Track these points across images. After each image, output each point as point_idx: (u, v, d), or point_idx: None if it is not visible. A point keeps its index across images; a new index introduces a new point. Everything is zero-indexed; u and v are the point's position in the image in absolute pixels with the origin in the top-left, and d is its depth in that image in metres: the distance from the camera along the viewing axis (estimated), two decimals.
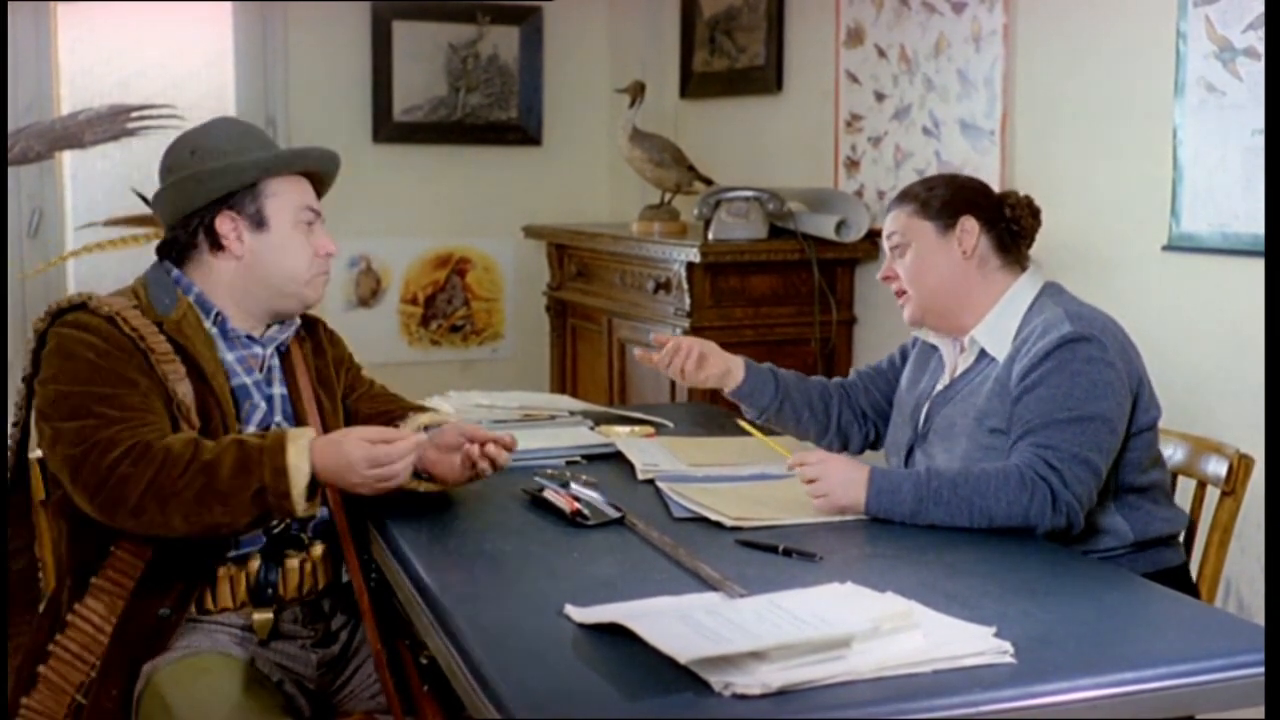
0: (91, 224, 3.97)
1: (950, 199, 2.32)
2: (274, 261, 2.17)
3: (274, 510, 1.96)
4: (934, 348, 2.42)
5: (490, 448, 2.15)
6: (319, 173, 2.27)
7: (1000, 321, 2.27)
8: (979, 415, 2.21)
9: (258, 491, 1.93)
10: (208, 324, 2.16)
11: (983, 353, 2.28)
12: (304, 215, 2.20)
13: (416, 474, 2.17)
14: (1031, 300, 2.27)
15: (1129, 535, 2.20)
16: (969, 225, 2.29)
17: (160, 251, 2.21)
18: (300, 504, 1.95)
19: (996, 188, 2.62)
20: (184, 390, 2.06)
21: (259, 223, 2.16)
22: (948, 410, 2.29)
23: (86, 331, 2.04)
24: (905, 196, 2.37)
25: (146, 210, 2.54)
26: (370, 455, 1.97)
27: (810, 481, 2.12)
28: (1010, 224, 2.32)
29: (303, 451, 1.95)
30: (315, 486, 1.97)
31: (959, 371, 2.33)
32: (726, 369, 2.53)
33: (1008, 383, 2.18)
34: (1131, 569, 2.09)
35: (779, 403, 2.53)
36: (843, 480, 2.11)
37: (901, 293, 2.36)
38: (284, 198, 2.18)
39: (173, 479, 1.93)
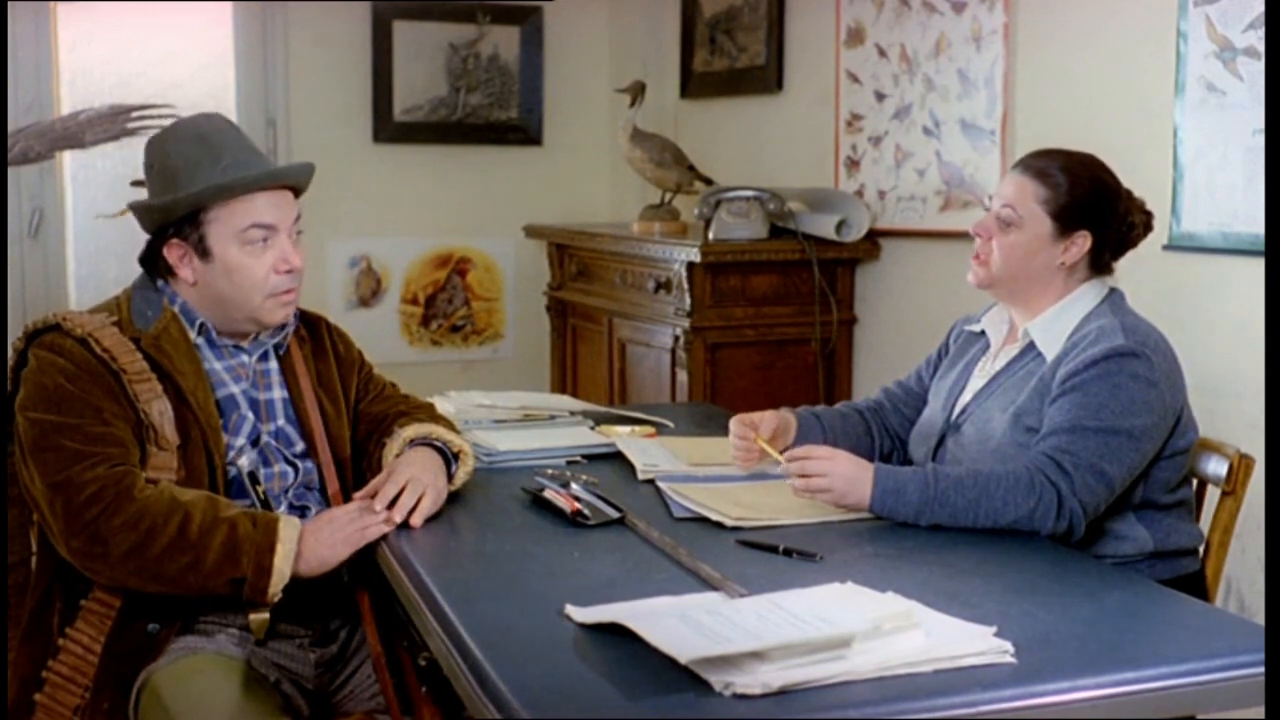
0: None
1: (1080, 203, 2.23)
2: (223, 288, 2.14)
3: (243, 595, 1.99)
4: (980, 334, 2.41)
5: (382, 517, 2.07)
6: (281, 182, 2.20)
7: (1058, 320, 2.25)
8: (1018, 411, 2.20)
9: (236, 580, 1.97)
10: (193, 334, 2.16)
11: (1031, 345, 2.27)
12: (251, 235, 2.12)
13: None
14: (1093, 306, 2.25)
15: (1148, 544, 2.19)
16: (1081, 241, 2.24)
17: (140, 264, 2.22)
18: (271, 599, 2.00)
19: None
20: (159, 409, 2.06)
21: (203, 252, 2.13)
22: (988, 403, 2.28)
23: (60, 355, 2.04)
24: (1041, 175, 2.25)
25: None
26: (352, 545, 2.04)
27: (815, 476, 2.11)
28: (1120, 240, 2.28)
29: (289, 553, 1.99)
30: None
31: (1004, 362, 2.31)
32: (785, 424, 2.42)
33: (1051, 383, 2.17)
34: (1149, 576, 2.08)
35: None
36: (848, 477, 2.10)
37: (981, 257, 2.30)
38: (224, 223, 2.12)
39: (154, 553, 1.95)
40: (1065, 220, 2.24)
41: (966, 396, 2.34)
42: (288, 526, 2.00)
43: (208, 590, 1.99)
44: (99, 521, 1.95)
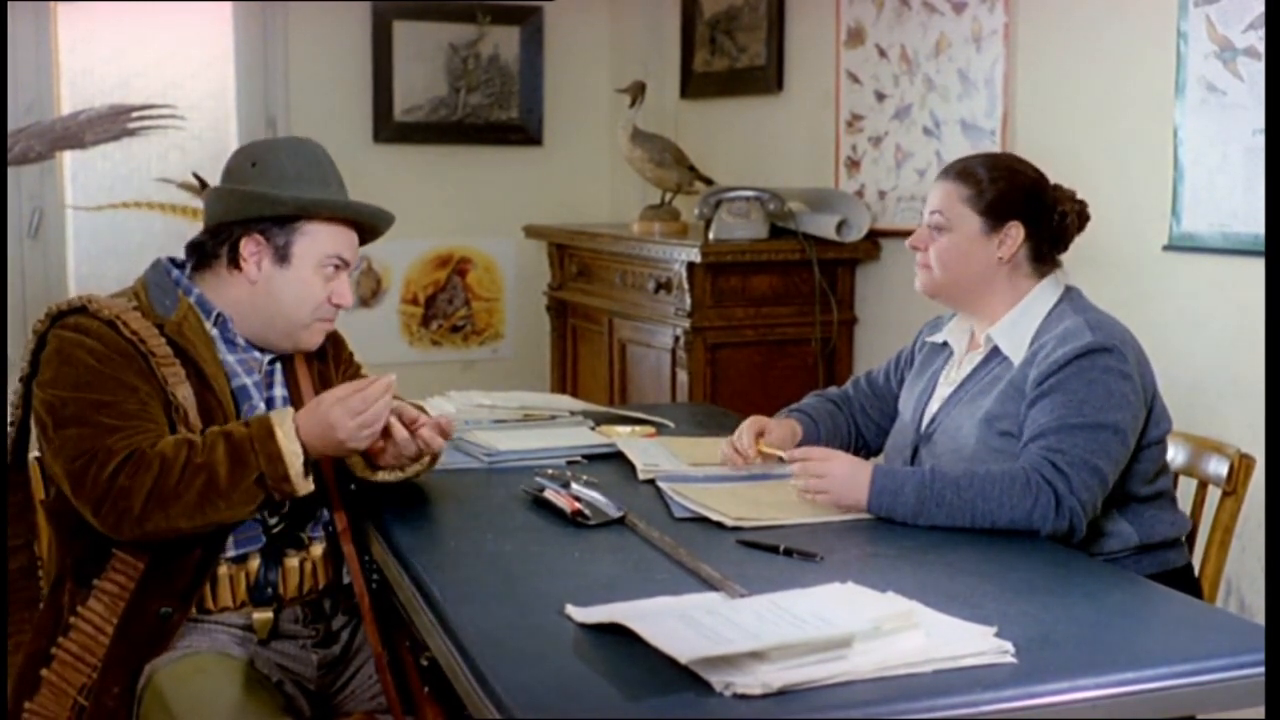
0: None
1: (1005, 196, 2.25)
2: (281, 298, 2.16)
3: (274, 493, 2.00)
4: (943, 345, 2.41)
5: (424, 432, 2.13)
6: (366, 223, 2.25)
7: (1019, 323, 2.25)
8: (989, 417, 2.20)
9: (257, 479, 1.97)
10: (208, 325, 2.16)
11: (995, 351, 2.27)
12: (329, 262, 2.18)
13: (370, 464, 2.19)
14: (1052, 305, 2.25)
15: (1134, 539, 2.20)
16: (1014, 232, 2.25)
17: (188, 249, 2.22)
18: (300, 484, 2.00)
19: None
20: (184, 393, 2.06)
21: (282, 257, 2.15)
22: (956, 411, 2.28)
23: (87, 335, 2.04)
24: (963, 176, 2.28)
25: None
26: (348, 407, 2.01)
27: (814, 478, 2.12)
28: (1055, 231, 2.28)
29: (290, 433, 1.99)
30: (309, 461, 2.02)
31: (969, 370, 2.31)
32: (791, 433, 2.44)
33: (1022, 386, 2.17)
34: (1135, 570, 2.10)
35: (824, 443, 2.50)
36: (845, 478, 2.11)
37: (925, 264, 2.32)
38: (315, 241, 2.16)
39: (172, 484, 1.95)
40: (993, 214, 2.25)
41: (934, 406, 2.34)
42: (279, 414, 2.03)
43: (235, 508, 1.98)
44: (120, 480, 1.95)
